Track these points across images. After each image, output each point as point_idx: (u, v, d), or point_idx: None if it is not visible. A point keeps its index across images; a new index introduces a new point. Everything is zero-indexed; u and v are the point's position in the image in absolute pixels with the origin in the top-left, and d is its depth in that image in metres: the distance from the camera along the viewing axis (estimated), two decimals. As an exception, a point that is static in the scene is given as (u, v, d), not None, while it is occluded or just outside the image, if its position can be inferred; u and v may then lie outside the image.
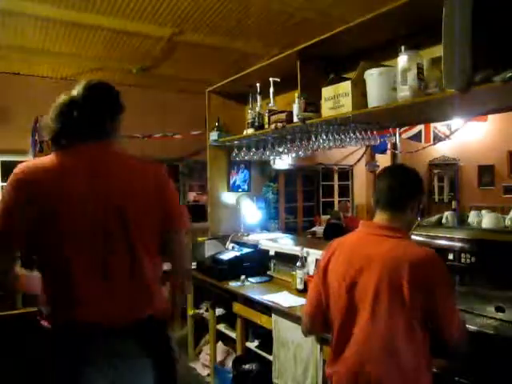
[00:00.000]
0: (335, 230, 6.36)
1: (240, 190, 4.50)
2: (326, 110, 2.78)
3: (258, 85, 3.56)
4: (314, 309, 1.78)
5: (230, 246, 4.01)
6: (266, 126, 3.44)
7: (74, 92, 1.59)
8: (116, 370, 1.47)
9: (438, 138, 7.09)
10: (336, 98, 2.69)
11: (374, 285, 1.53)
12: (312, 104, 2.95)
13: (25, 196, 1.42)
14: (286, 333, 2.67)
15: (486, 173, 7.34)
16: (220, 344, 3.72)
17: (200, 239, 4.14)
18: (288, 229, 7.18)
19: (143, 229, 1.53)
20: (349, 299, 1.60)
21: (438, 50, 2.06)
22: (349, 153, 7.95)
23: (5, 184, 1.50)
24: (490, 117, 6.44)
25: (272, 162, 4.74)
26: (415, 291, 1.47)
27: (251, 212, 4.29)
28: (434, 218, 2.56)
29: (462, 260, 2.16)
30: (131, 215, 1.50)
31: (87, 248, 1.45)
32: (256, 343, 3.16)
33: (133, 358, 1.50)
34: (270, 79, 3.36)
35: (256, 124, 3.56)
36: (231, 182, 4.44)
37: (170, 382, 1.66)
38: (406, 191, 1.69)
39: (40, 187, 1.44)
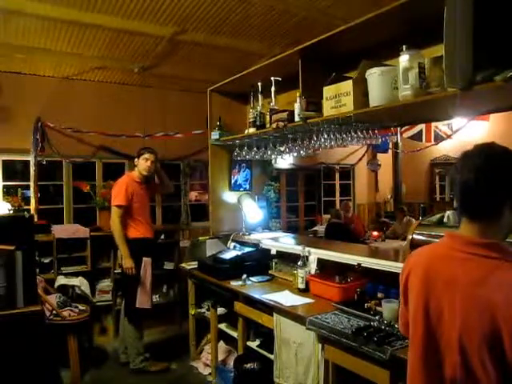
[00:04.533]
0: (336, 229, 6.36)
1: (241, 189, 4.50)
2: (328, 109, 2.78)
3: (259, 84, 3.56)
4: (405, 328, 1.45)
5: (231, 245, 4.01)
6: (268, 126, 3.44)
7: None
8: None
9: (439, 138, 7.08)
10: (337, 97, 2.69)
11: (458, 322, 1.18)
12: (313, 103, 2.96)
13: None
14: (288, 332, 2.67)
15: (488, 172, 7.32)
16: (221, 343, 3.72)
17: (201, 238, 4.14)
18: (289, 228, 7.17)
19: None
20: (426, 328, 1.27)
21: (439, 50, 2.06)
22: (350, 152, 7.94)
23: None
24: (492, 116, 6.42)
25: (273, 161, 4.74)
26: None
27: (252, 211, 4.29)
28: (435, 217, 2.56)
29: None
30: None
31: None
32: (257, 342, 3.16)
33: None
34: (272, 78, 3.36)
35: (257, 123, 3.56)
36: (232, 181, 4.44)
37: None
38: (501, 188, 1.19)
39: None
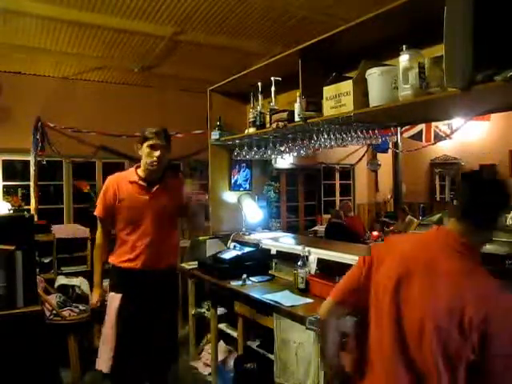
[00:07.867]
0: (337, 229, 6.36)
1: (241, 189, 4.49)
2: (328, 109, 2.78)
3: (259, 84, 3.55)
4: (346, 297, 1.61)
5: (231, 245, 4.00)
6: (268, 125, 3.43)
7: None
8: None
9: (438, 138, 7.09)
10: (337, 97, 2.68)
11: (423, 305, 1.30)
12: (313, 103, 2.95)
13: None
14: (288, 332, 2.67)
15: (488, 172, 7.31)
16: (221, 343, 3.72)
17: (201, 238, 4.13)
18: (289, 228, 7.18)
19: None
20: (395, 311, 1.38)
21: (439, 49, 2.06)
22: (350, 152, 7.95)
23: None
24: (493, 116, 6.43)
25: (273, 161, 4.74)
26: (472, 331, 1.19)
27: (252, 211, 4.28)
28: (435, 217, 2.56)
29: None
30: None
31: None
32: (257, 342, 3.16)
33: None
34: (272, 78, 3.36)
35: (257, 123, 3.55)
36: (232, 181, 4.44)
37: None
38: (497, 210, 1.42)
39: None
